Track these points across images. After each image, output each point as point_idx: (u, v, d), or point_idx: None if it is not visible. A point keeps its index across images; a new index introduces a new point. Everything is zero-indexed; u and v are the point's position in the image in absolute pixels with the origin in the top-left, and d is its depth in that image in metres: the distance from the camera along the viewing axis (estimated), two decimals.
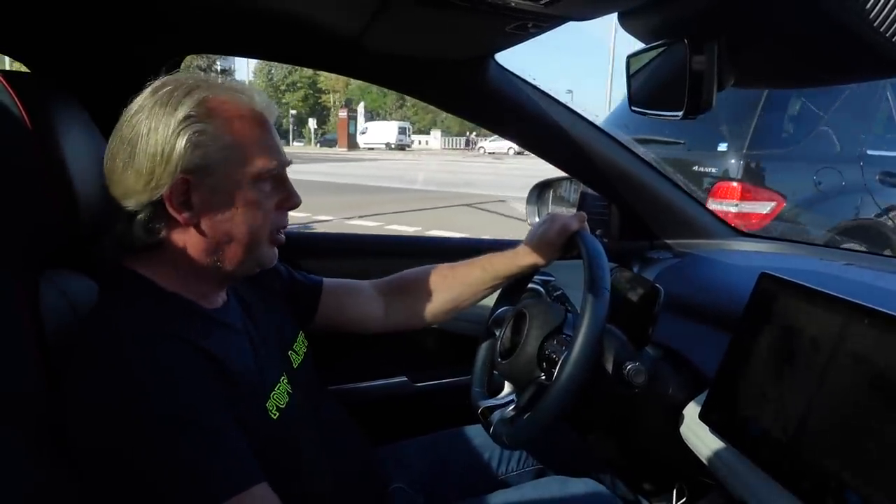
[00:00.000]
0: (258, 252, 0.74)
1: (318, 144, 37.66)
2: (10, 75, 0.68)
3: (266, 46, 1.19)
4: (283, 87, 45.44)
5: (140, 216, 0.68)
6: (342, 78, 36.61)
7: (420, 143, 42.59)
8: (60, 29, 1.00)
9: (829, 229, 3.01)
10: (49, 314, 0.69)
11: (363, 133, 36.64)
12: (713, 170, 2.99)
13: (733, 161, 2.94)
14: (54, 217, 0.70)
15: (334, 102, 43.87)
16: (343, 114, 34.73)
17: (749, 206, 2.88)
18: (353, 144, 34.03)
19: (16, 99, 0.66)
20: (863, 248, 3.03)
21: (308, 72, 40.65)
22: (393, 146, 34.83)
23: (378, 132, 36.31)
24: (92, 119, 0.81)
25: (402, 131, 36.39)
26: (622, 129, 3.14)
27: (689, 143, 3.23)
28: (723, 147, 2.99)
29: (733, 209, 2.85)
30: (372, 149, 34.34)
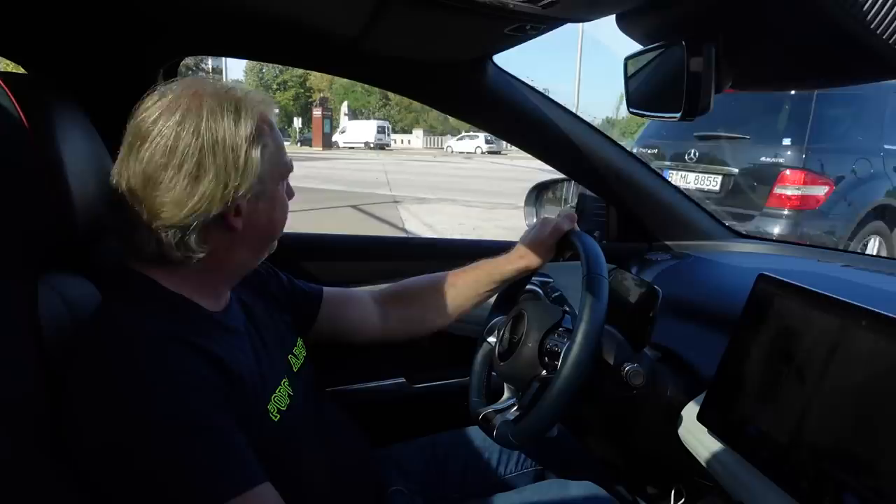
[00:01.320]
0: (273, 244, 0.81)
1: (299, 143, 37.21)
2: (7, 76, 0.68)
3: (265, 48, 1.19)
4: (274, 87, 45.25)
5: (194, 229, 0.67)
6: (327, 77, 36.33)
7: (402, 142, 41.93)
8: (58, 30, 1.00)
9: (864, 208, 3.85)
10: (47, 316, 0.68)
11: (343, 132, 36.09)
12: (781, 160, 3.70)
13: (794, 153, 3.69)
14: (52, 219, 0.70)
15: (332, 103, 43.64)
16: (317, 112, 33.72)
17: (809, 190, 3.63)
18: (327, 143, 33.13)
19: (13, 100, 0.66)
20: (885, 227, 3.94)
21: (299, 71, 40.23)
22: (372, 145, 34.24)
23: (357, 131, 35.74)
24: (90, 120, 0.81)
25: (381, 130, 35.78)
26: (685, 127, 4.10)
27: (755, 139, 3.90)
28: (787, 142, 3.73)
29: (797, 192, 3.63)
30: (352, 148, 33.62)
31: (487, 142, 30.72)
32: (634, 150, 4.34)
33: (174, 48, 1.10)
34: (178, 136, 0.65)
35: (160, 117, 0.66)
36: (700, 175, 4.06)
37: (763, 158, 3.79)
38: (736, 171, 3.89)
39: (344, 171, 15.93)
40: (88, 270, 0.82)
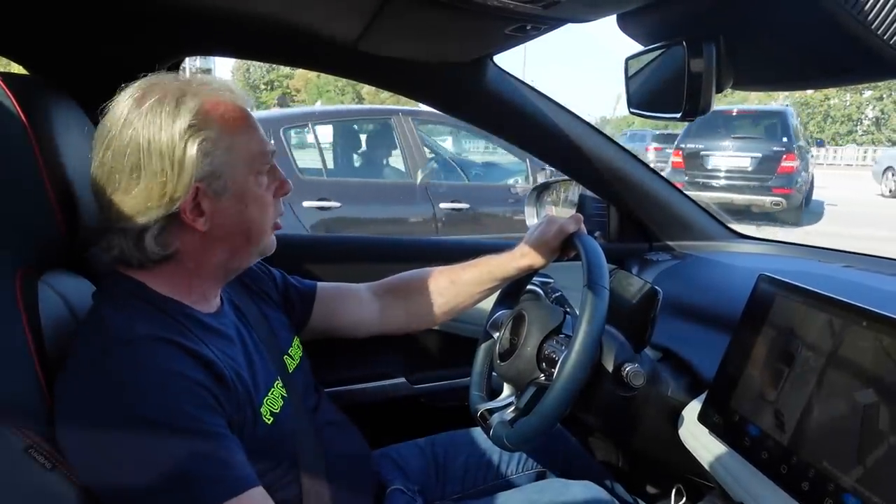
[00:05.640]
0: (263, 243, 0.77)
1: None
2: (8, 77, 0.68)
3: (265, 48, 1.18)
4: (261, 87, 44.82)
5: (151, 231, 0.67)
6: (304, 76, 35.99)
7: None
8: (59, 31, 1.00)
9: (807, 171, 8.19)
10: (48, 316, 0.68)
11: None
12: (783, 148, 7.51)
13: (788, 144, 7.54)
14: (53, 219, 0.70)
15: (305, 102, 43.06)
16: None
17: (794, 163, 7.47)
18: None
19: (14, 101, 0.66)
20: None
21: (286, 70, 39.84)
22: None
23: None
24: (90, 122, 0.81)
25: None
26: (723, 131, 7.99)
27: (765, 137, 7.71)
28: (784, 139, 7.61)
29: (792, 164, 7.41)
30: None
31: None
32: (682, 146, 8.00)
33: (174, 48, 1.10)
34: (120, 137, 0.66)
35: (112, 119, 0.67)
36: (736, 158, 7.64)
37: (774, 148, 7.57)
38: (760, 155, 7.56)
39: None
40: (89, 271, 0.82)
